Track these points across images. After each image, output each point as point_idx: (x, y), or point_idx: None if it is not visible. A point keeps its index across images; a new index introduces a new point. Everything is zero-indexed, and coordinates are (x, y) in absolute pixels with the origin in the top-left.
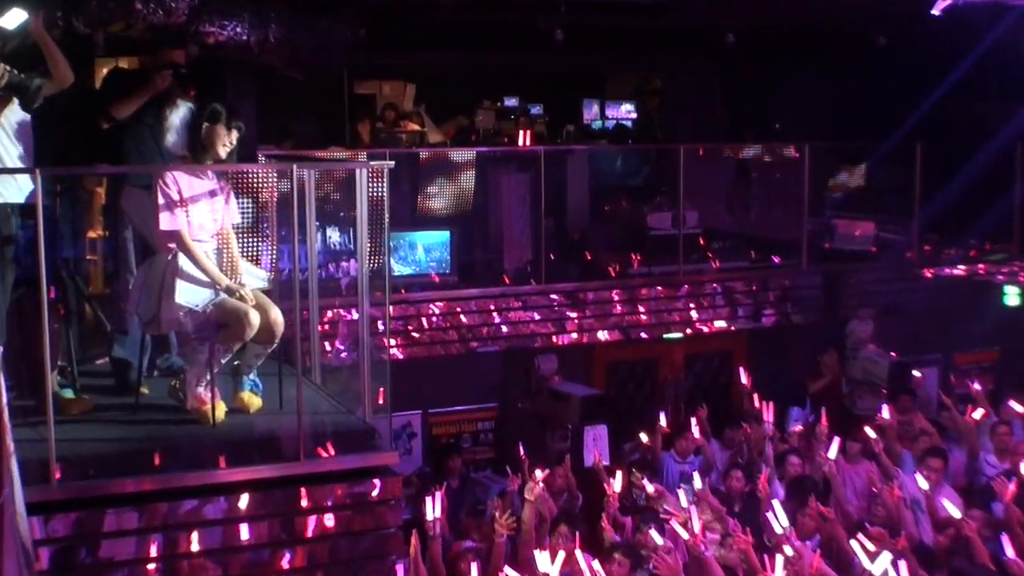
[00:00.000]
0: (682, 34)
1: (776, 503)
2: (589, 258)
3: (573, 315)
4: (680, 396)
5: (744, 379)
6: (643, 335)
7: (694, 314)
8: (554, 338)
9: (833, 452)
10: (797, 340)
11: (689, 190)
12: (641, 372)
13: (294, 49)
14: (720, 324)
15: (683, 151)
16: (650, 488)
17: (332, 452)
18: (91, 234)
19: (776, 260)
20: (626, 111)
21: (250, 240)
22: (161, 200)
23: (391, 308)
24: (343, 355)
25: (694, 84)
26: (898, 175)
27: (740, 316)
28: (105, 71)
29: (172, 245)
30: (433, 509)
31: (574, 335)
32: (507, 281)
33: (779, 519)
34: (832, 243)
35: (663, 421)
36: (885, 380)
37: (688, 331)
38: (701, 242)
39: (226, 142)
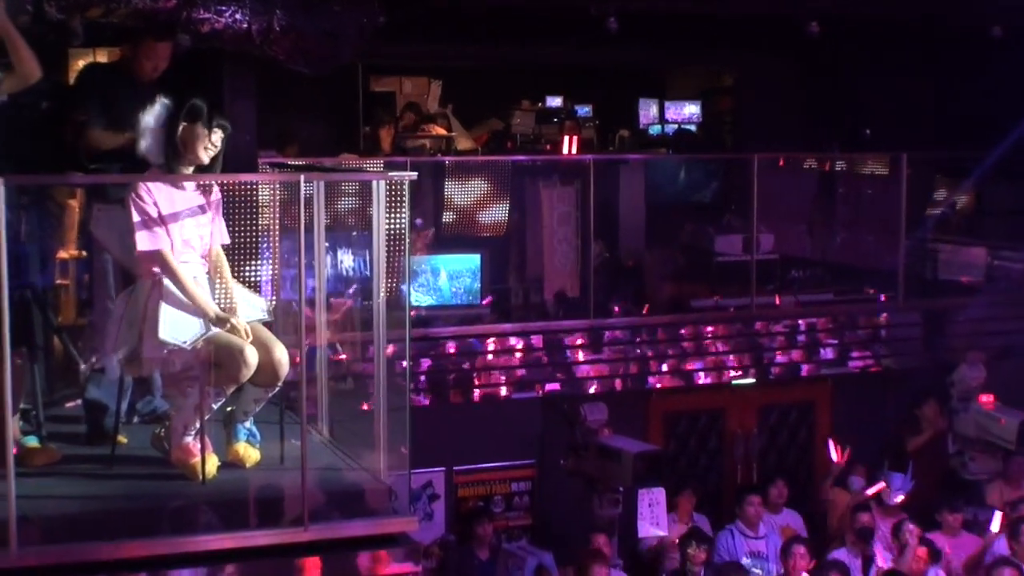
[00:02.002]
0: (757, 23)
1: None
2: (645, 288)
3: (626, 356)
4: (752, 454)
5: (834, 454)
6: (708, 381)
7: (769, 356)
8: (603, 383)
9: (997, 525)
10: (892, 389)
11: (764, 208)
12: (706, 425)
13: (301, 39)
14: (800, 369)
15: (757, 162)
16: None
17: (341, 516)
18: (62, 254)
19: (867, 293)
20: (690, 114)
21: (248, 264)
22: (136, 217)
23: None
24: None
25: (771, 82)
26: (1014, 192)
27: (824, 359)
28: (81, 64)
29: (156, 270)
30: None
31: (627, 380)
32: (548, 315)
33: None
34: (934, 273)
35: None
36: (1013, 440)
37: (762, 376)
38: (781, 271)
39: (207, 144)
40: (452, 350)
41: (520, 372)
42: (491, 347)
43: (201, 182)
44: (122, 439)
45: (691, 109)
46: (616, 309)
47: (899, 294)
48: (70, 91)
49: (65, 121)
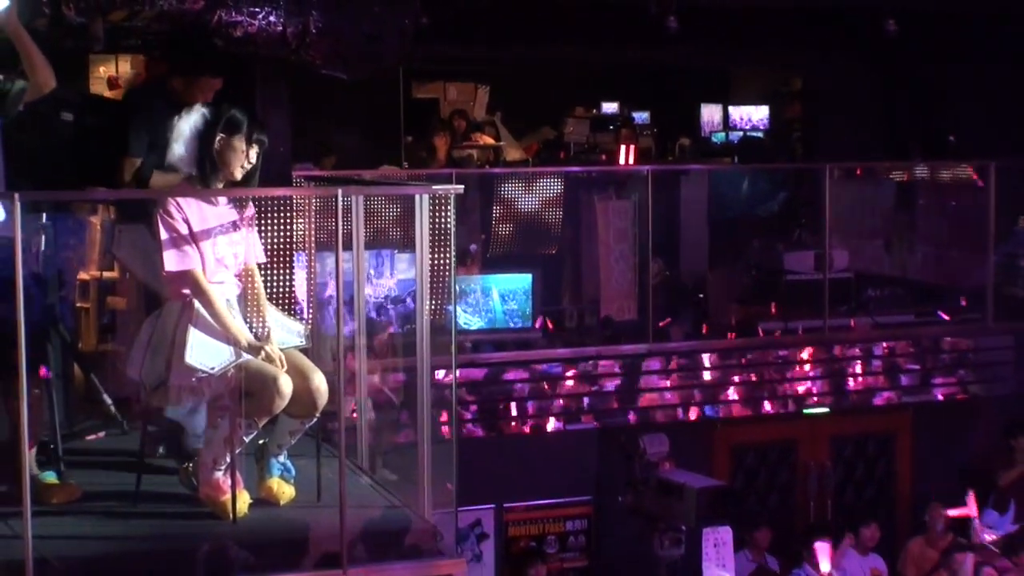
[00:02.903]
0: (829, 19)
1: None
2: (708, 310)
3: (688, 383)
4: (826, 489)
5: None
6: (778, 410)
7: (844, 383)
8: (664, 412)
9: None
10: (981, 418)
11: (837, 222)
12: (775, 457)
13: (339, 42)
14: (878, 396)
15: (830, 172)
16: None
17: (382, 557)
18: (83, 275)
19: (950, 314)
20: (757, 119)
21: (281, 284)
22: (165, 235)
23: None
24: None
25: (845, 85)
26: None
27: (904, 386)
28: (102, 71)
29: (187, 291)
30: None
31: (690, 409)
32: (604, 339)
33: None
34: None
35: None
36: None
37: (836, 405)
38: (857, 290)
39: (244, 161)
40: (502, 377)
41: (575, 401)
42: (544, 374)
43: (234, 197)
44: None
45: (758, 114)
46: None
47: (988, 314)
48: (115, 112)
49: (114, 157)
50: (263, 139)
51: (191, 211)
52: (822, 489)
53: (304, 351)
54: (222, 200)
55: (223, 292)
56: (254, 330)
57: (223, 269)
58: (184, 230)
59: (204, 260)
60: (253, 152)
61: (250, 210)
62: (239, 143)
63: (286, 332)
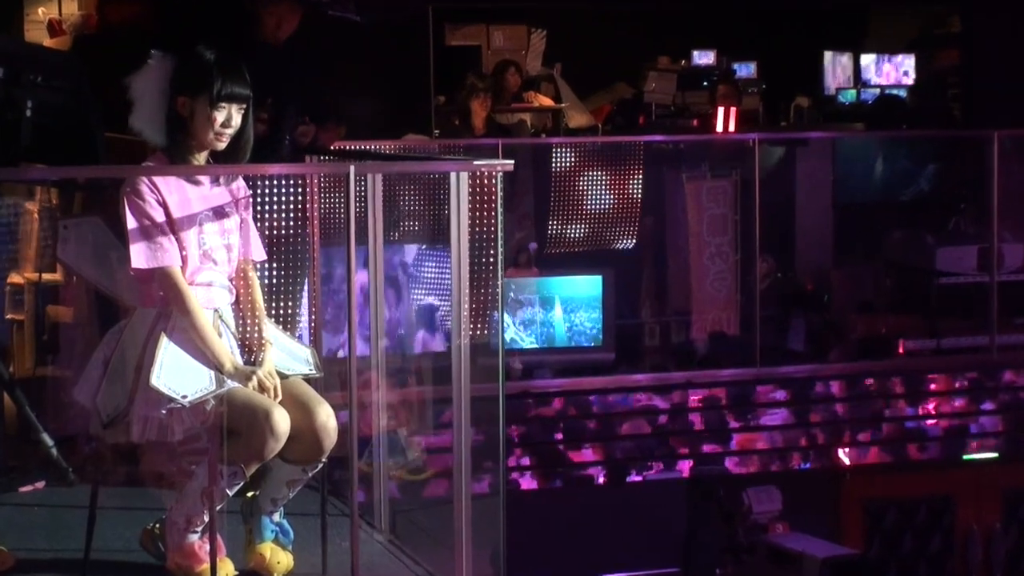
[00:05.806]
0: None
1: None
2: (834, 323)
3: (807, 420)
4: (995, 559)
5: None
6: (929, 455)
7: (1019, 419)
8: (775, 458)
9: None
10: None
11: (1009, 208)
12: (925, 518)
13: None
14: None
15: (998, 141)
16: None
17: None
18: (16, 278)
19: None
20: (899, 73)
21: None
22: (133, 223)
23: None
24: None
25: (1018, 25)
26: None
27: None
28: (57, 18)
29: (163, 293)
30: None
31: (810, 454)
32: (697, 361)
33: None
34: None
35: None
36: None
37: (1009, 449)
38: None
39: (219, 124)
40: (563, 411)
41: (657, 443)
42: (618, 407)
43: (217, 174)
44: None
45: (901, 66)
46: None
47: None
48: (55, 73)
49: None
50: (242, 92)
51: (168, 191)
52: (988, 558)
53: (312, 382)
54: (208, 177)
55: (210, 298)
56: (245, 348)
57: (211, 266)
58: (160, 217)
59: (187, 255)
60: (226, 114)
61: (242, 190)
62: (203, 105)
63: (289, 357)
